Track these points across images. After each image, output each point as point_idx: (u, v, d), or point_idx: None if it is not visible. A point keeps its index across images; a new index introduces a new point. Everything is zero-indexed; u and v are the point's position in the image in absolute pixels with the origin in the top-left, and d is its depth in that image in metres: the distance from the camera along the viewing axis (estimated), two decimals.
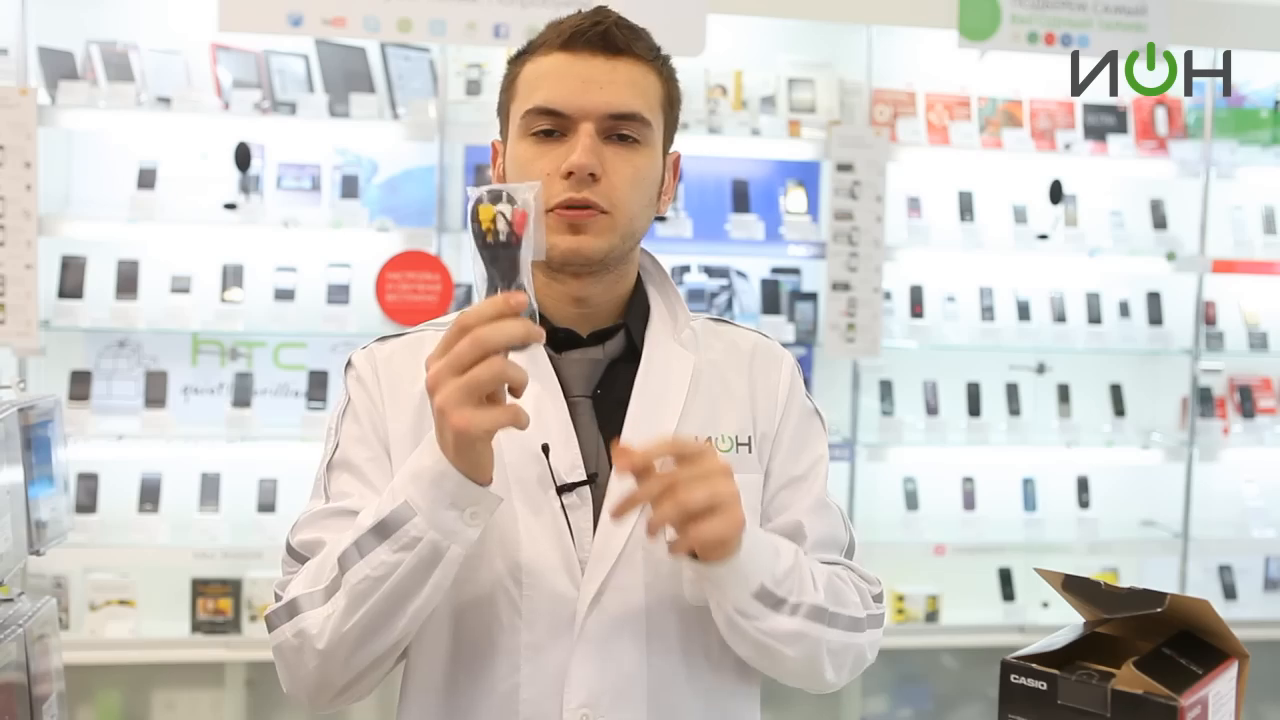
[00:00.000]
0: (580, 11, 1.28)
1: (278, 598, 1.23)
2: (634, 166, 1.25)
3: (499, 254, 1.06)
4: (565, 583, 1.22)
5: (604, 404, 1.28)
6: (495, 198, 1.06)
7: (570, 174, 1.21)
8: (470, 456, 1.08)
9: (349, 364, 1.33)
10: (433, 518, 1.09)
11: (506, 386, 1.06)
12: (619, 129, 1.24)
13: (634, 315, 1.33)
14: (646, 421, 1.27)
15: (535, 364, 1.26)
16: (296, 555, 1.25)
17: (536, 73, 1.25)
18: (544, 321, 1.28)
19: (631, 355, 1.31)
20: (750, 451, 1.33)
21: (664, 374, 1.30)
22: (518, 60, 1.30)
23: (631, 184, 1.25)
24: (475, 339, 1.03)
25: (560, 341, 1.29)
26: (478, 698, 1.25)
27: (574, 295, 1.29)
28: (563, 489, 1.23)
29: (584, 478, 1.24)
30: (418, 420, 1.26)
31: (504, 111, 1.31)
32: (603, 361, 1.30)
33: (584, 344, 1.30)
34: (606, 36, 1.23)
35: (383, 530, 1.11)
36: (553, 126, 1.23)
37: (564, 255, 1.23)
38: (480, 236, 1.06)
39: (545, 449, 1.23)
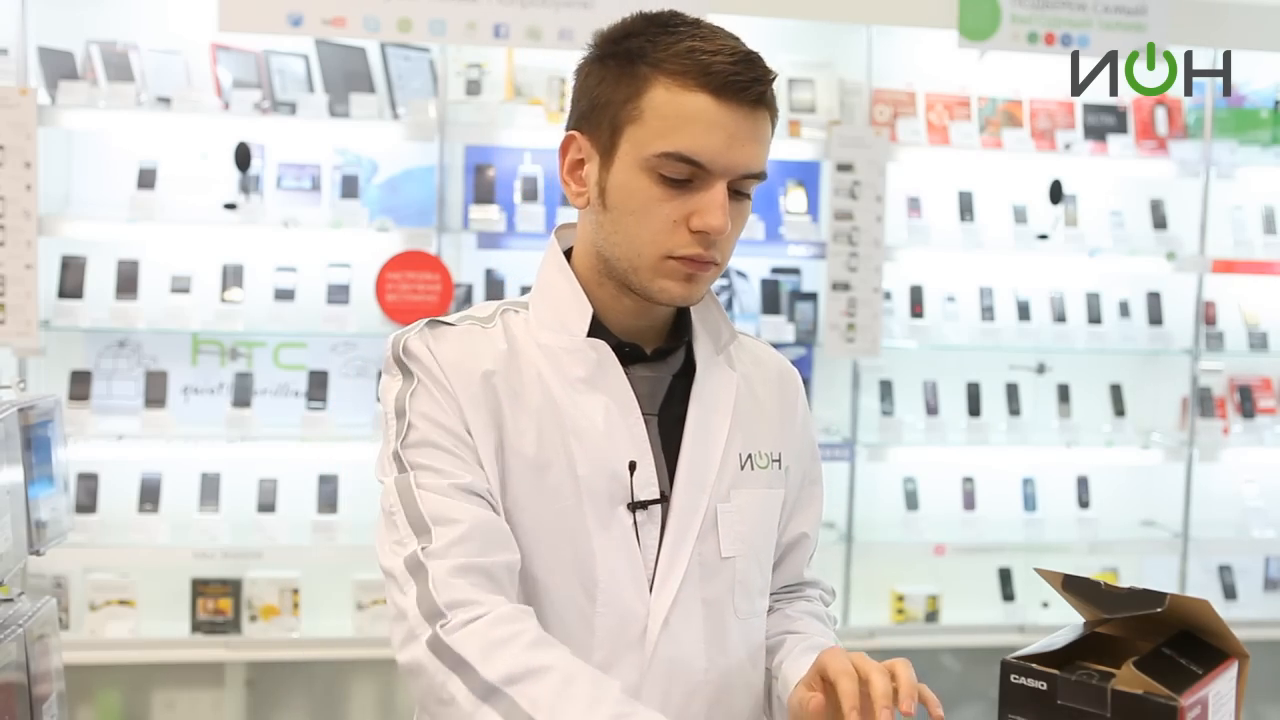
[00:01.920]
0: (706, 29, 1.20)
1: (417, 568, 1.11)
2: (743, 219, 1.24)
3: None
4: (635, 600, 1.22)
5: (662, 422, 1.28)
6: None
7: (702, 232, 1.18)
8: None
9: (406, 350, 1.24)
10: None
11: None
12: (743, 186, 1.21)
13: (681, 329, 1.33)
14: (703, 439, 1.28)
15: (608, 378, 1.24)
16: (422, 525, 1.14)
17: (677, 110, 1.16)
18: (609, 335, 1.27)
19: (681, 370, 1.31)
20: (780, 468, 1.35)
21: (714, 390, 1.31)
22: (631, 65, 1.19)
23: (738, 236, 1.25)
24: None
25: (625, 356, 1.27)
26: None
27: (642, 310, 1.28)
28: (634, 506, 1.23)
29: (657, 495, 1.24)
30: (492, 412, 1.21)
31: (611, 119, 1.20)
32: (666, 379, 1.30)
33: (646, 359, 1.29)
34: (762, 97, 1.18)
35: None
36: (687, 176, 1.17)
37: (673, 300, 1.23)
38: None
39: (632, 466, 1.22)
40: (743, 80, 1.16)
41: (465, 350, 1.23)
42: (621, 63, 1.20)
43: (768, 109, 1.20)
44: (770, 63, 1.23)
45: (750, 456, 1.31)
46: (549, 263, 1.31)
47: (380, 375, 1.31)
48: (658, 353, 1.30)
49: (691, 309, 1.34)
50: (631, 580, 1.22)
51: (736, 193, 1.21)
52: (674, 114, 1.16)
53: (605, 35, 1.23)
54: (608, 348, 1.25)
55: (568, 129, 1.26)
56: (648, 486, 1.23)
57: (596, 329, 1.27)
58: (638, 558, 1.22)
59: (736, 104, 1.17)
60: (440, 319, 1.28)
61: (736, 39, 1.21)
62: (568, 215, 3.59)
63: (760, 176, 1.21)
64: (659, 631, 1.22)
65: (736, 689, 1.30)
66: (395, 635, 1.13)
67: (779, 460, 1.35)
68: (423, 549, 1.12)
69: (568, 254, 1.32)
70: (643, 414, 1.26)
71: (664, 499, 1.24)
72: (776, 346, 1.53)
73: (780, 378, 1.40)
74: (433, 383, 1.21)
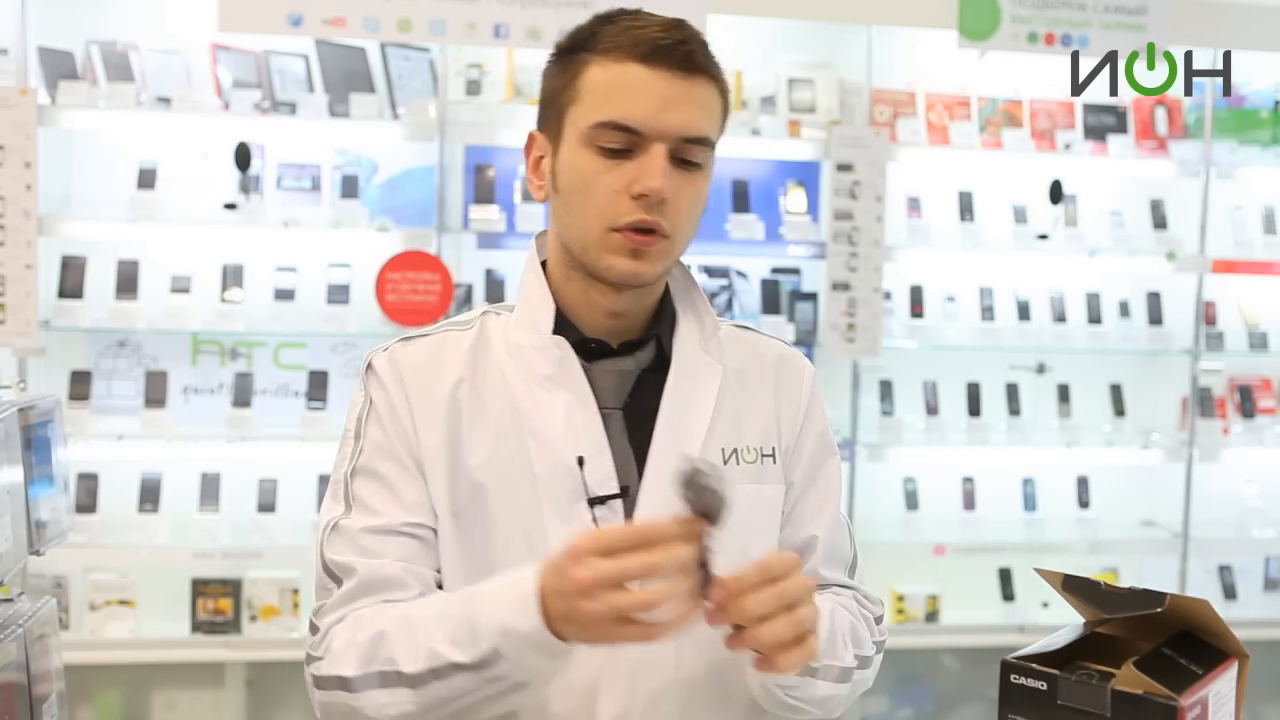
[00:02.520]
0: (642, 13, 1.23)
1: (314, 629, 1.21)
2: (696, 189, 1.24)
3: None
4: None
5: (633, 414, 1.27)
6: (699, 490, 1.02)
7: (642, 195, 1.18)
8: (592, 644, 1.06)
9: (369, 367, 1.29)
10: (523, 665, 1.07)
11: None
12: (687, 152, 1.21)
13: (663, 324, 1.32)
14: (675, 432, 1.26)
15: (568, 374, 1.25)
16: (332, 575, 1.22)
17: (609, 81, 1.19)
18: (575, 330, 1.27)
19: (660, 364, 1.30)
20: (774, 462, 1.32)
21: (692, 384, 1.29)
22: (573, 54, 1.23)
23: (692, 209, 1.24)
24: (651, 561, 1.00)
25: (591, 352, 1.27)
26: (503, 713, 1.22)
27: (610, 308, 1.27)
28: (594, 501, 1.22)
29: (616, 490, 1.23)
30: (449, 428, 1.24)
31: (555, 107, 1.24)
32: (634, 372, 1.29)
33: (614, 354, 1.29)
34: (690, 56, 1.19)
35: (465, 667, 1.09)
36: (624, 145, 1.19)
37: (621, 277, 1.23)
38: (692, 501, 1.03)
39: (580, 461, 1.22)
40: (668, 43, 1.19)
41: (430, 363, 1.26)
42: (566, 57, 1.24)
43: (705, 75, 1.22)
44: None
45: (735, 450, 1.29)
46: (526, 263, 1.34)
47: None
48: (625, 346, 1.29)
49: (676, 303, 1.33)
50: None
51: (685, 162, 1.21)
52: (607, 86, 1.19)
53: (560, 39, 1.28)
54: (567, 344, 1.25)
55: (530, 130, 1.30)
56: (605, 481, 1.22)
57: (565, 326, 1.27)
58: None
59: (665, 67, 1.18)
60: (414, 333, 1.31)
61: (673, 18, 1.23)
62: None
63: (704, 142, 1.22)
64: None
65: (717, 692, 1.27)
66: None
67: (771, 455, 1.32)
68: (323, 602, 1.22)
69: None
70: (607, 408, 1.25)
71: (626, 493, 1.23)
72: None
73: (778, 368, 1.37)
74: (386, 407, 1.26)
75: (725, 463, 1.28)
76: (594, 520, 1.22)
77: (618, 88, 1.19)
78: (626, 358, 1.29)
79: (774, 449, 1.32)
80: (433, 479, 1.24)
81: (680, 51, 1.19)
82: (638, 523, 1.07)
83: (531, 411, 1.24)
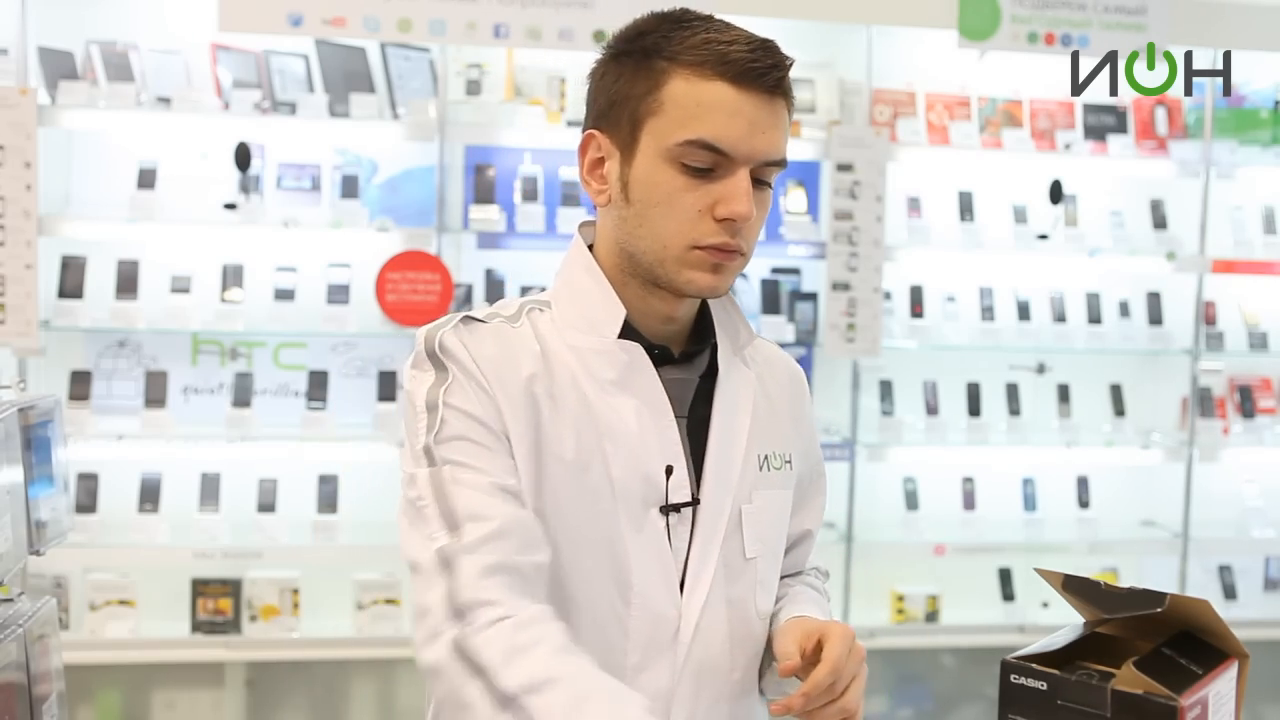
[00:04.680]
0: (719, 22, 1.21)
1: (449, 566, 1.10)
2: (766, 208, 1.25)
3: None
4: (667, 603, 1.23)
5: (688, 423, 1.28)
6: None
7: (727, 219, 1.18)
8: None
9: (442, 346, 1.21)
10: None
11: None
12: (765, 174, 1.21)
13: (703, 329, 1.33)
14: (727, 441, 1.28)
15: (641, 381, 1.24)
16: (452, 520, 1.13)
17: (697, 99, 1.17)
18: (640, 338, 1.26)
19: (707, 372, 1.32)
20: (791, 469, 1.36)
21: (735, 392, 1.31)
22: (649, 61, 1.20)
23: (761, 225, 1.25)
24: None
25: (655, 358, 1.27)
26: None
27: (668, 314, 1.28)
28: (666, 509, 1.23)
29: (689, 499, 1.24)
30: (531, 419, 1.20)
31: (630, 114, 1.21)
32: (694, 381, 1.30)
33: (674, 361, 1.29)
34: (780, 83, 1.19)
35: None
36: (711, 165, 1.18)
37: (700, 291, 1.23)
38: None
39: (669, 470, 1.23)
40: (761, 66, 1.17)
41: (503, 350, 1.22)
42: (638, 59, 1.21)
43: (785, 96, 1.21)
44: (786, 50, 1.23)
45: (767, 457, 1.32)
46: (574, 262, 1.30)
47: (403, 370, 1.29)
48: (684, 355, 1.30)
49: (712, 310, 1.34)
50: (663, 583, 1.22)
51: (758, 181, 1.21)
52: (694, 103, 1.17)
53: (620, 34, 1.24)
54: (641, 350, 1.25)
55: (585, 129, 1.26)
56: (681, 489, 1.24)
57: (626, 330, 1.26)
58: (669, 560, 1.23)
59: (755, 90, 1.17)
60: (473, 315, 1.26)
61: (750, 31, 1.22)
62: (568, 215, 3.59)
63: (781, 164, 1.22)
64: (691, 634, 1.23)
65: (753, 689, 1.33)
66: (418, 633, 1.12)
67: (790, 461, 1.36)
68: (454, 544, 1.12)
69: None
70: (675, 417, 1.26)
71: (694, 501, 1.25)
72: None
73: (790, 378, 1.41)
74: (468, 379, 1.19)
75: (761, 469, 1.31)
76: (666, 527, 1.23)
77: (707, 107, 1.17)
78: (687, 365, 1.30)
79: (791, 455, 1.36)
80: (521, 457, 1.19)
81: (773, 77, 1.18)
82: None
83: (607, 415, 1.22)
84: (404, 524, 1.17)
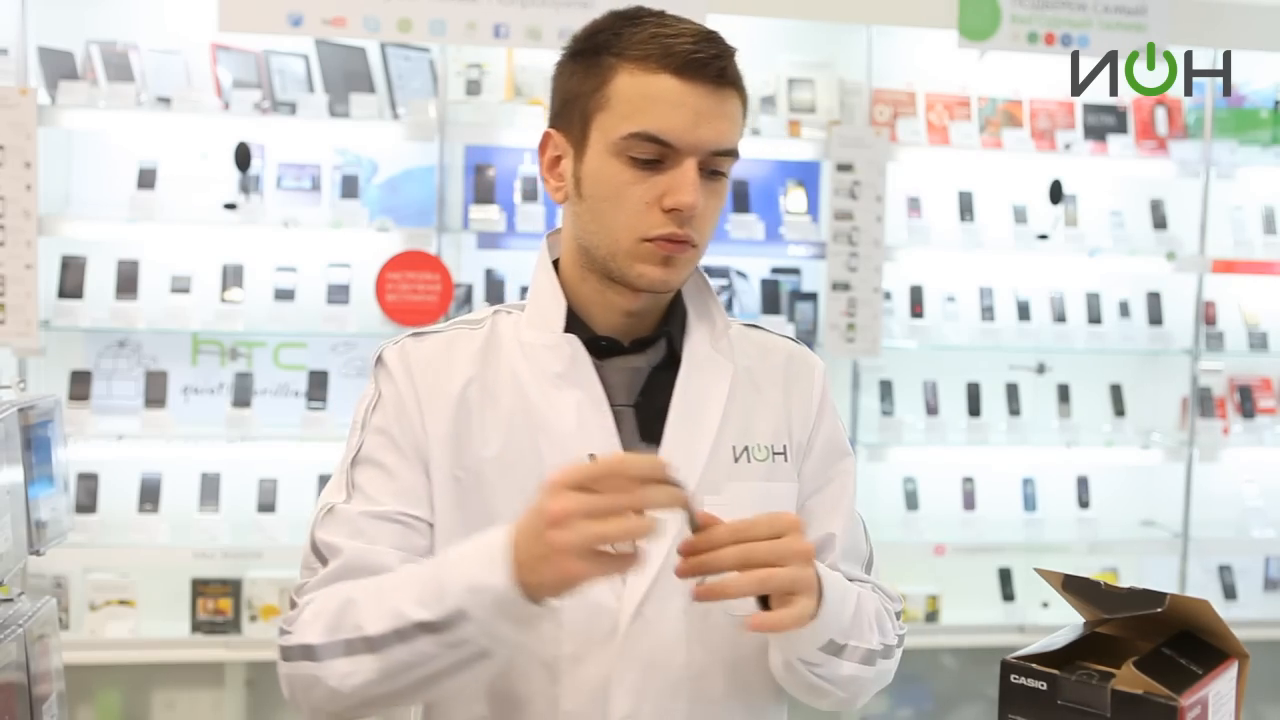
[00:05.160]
0: (668, 17, 1.23)
1: (294, 605, 1.21)
2: (720, 200, 1.25)
3: None
4: (606, 593, 1.22)
5: (644, 412, 1.28)
6: None
7: (674, 210, 1.19)
8: (553, 589, 1.05)
9: (380, 360, 1.29)
10: (488, 629, 1.06)
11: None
12: (715, 164, 1.22)
13: (674, 323, 1.32)
14: (686, 430, 1.26)
15: (579, 371, 1.25)
16: (319, 554, 1.22)
17: (642, 92, 1.19)
18: (587, 329, 1.28)
19: (671, 363, 1.30)
20: (786, 460, 1.32)
21: (703, 382, 1.29)
22: (598, 58, 1.22)
23: (714, 217, 1.25)
24: (631, 498, 1.00)
25: (602, 349, 1.28)
26: (512, 710, 1.24)
27: (627, 308, 1.28)
28: None
29: None
30: (458, 424, 1.24)
31: (581, 111, 1.23)
32: (644, 370, 1.29)
33: (625, 352, 1.29)
34: (724, 72, 1.20)
35: (430, 628, 1.08)
36: (656, 156, 1.19)
37: (651, 285, 1.23)
38: None
39: (591, 458, 1.21)
40: (703, 57, 1.19)
41: (443, 357, 1.27)
42: (589, 57, 1.23)
43: (733, 87, 1.22)
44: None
45: (747, 449, 1.29)
46: (538, 261, 1.34)
47: None
48: (636, 344, 1.29)
49: (686, 301, 1.34)
50: None
51: (712, 172, 1.22)
52: (639, 96, 1.19)
53: (577, 34, 1.27)
54: (578, 342, 1.26)
55: (546, 128, 1.29)
56: None
57: (577, 325, 1.28)
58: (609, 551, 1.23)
59: (699, 81, 1.19)
60: (426, 330, 1.31)
61: (698, 24, 1.23)
62: None
63: (732, 154, 1.23)
64: (628, 624, 1.22)
65: (729, 689, 1.27)
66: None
67: (783, 452, 1.32)
68: (301, 584, 1.22)
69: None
70: (619, 405, 1.26)
71: None
72: None
73: (788, 365, 1.37)
74: (394, 399, 1.26)
75: (736, 461, 1.28)
76: None
77: (651, 100, 1.19)
78: (637, 355, 1.29)
79: (785, 446, 1.33)
80: (436, 472, 1.24)
81: (715, 67, 1.19)
82: (614, 456, 1.07)
83: (543, 408, 1.24)
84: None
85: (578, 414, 1.23)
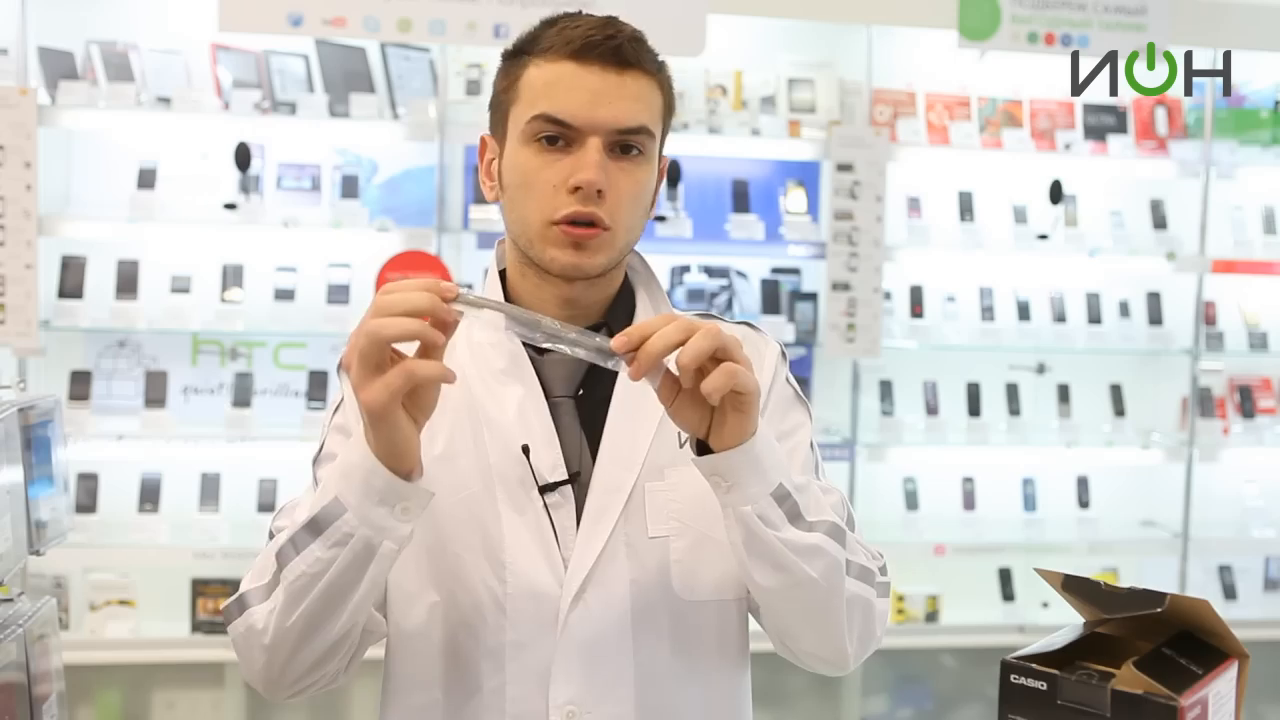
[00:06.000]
0: (581, 14, 1.27)
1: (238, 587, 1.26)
2: (635, 181, 1.26)
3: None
4: (549, 580, 1.23)
5: (586, 404, 1.29)
6: None
7: (577, 189, 1.21)
8: (388, 440, 1.07)
9: (341, 366, 1.30)
10: (363, 514, 1.10)
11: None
12: (624, 143, 1.24)
13: (618, 314, 1.34)
14: (629, 420, 1.28)
15: (517, 365, 1.28)
16: (270, 539, 1.27)
17: (543, 79, 1.24)
18: None
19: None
20: None
21: None
22: (517, 58, 1.29)
23: (632, 199, 1.26)
24: (392, 298, 1.09)
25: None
26: (463, 696, 1.26)
27: (563, 298, 1.30)
28: (545, 488, 1.25)
29: (565, 477, 1.25)
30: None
31: (500, 109, 1.30)
32: (585, 361, 1.29)
33: None
34: (619, 51, 1.23)
35: (315, 527, 1.12)
36: (558, 135, 1.23)
37: (564, 270, 1.25)
38: None
39: (525, 449, 1.25)
40: (597, 38, 1.23)
41: None
42: (511, 59, 1.30)
43: (637, 68, 1.25)
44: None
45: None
46: (490, 262, 1.39)
47: None
48: None
49: (637, 293, 1.36)
50: (544, 561, 1.23)
51: (625, 150, 1.25)
52: (541, 83, 1.24)
53: (506, 46, 1.33)
54: (516, 338, 1.27)
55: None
56: (555, 468, 1.25)
57: None
58: (550, 539, 1.24)
59: (596, 63, 1.23)
60: None
61: (608, 16, 1.28)
62: None
63: (641, 131, 1.25)
64: (568, 611, 1.22)
65: (681, 672, 1.27)
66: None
67: None
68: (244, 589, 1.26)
69: None
70: (560, 397, 1.29)
71: (576, 479, 1.25)
72: None
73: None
74: (351, 402, 1.29)
75: (681, 446, 1.26)
76: (545, 507, 1.24)
77: (550, 84, 1.24)
78: None
79: None
80: None
81: (608, 47, 1.23)
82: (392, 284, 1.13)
83: (486, 403, 1.28)
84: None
85: (519, 406, 1.26)
